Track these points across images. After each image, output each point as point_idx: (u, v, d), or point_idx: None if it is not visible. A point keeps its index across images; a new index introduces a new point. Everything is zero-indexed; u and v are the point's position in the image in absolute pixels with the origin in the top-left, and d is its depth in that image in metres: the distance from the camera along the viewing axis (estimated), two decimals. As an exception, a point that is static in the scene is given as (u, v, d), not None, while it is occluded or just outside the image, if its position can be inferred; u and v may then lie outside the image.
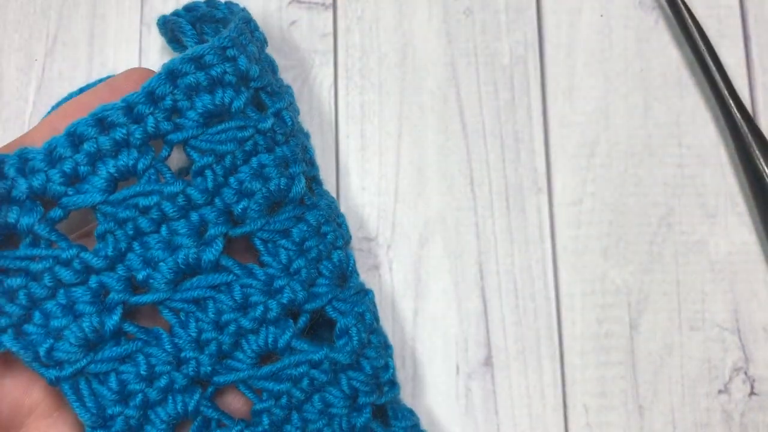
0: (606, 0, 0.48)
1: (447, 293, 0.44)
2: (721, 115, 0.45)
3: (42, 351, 0.32)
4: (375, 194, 0.45)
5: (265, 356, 0.36)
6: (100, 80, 0.41)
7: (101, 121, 0.33)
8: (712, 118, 0.46)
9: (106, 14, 0.47)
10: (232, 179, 0.36)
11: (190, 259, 0.34)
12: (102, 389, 0.33)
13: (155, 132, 0.34)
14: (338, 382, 0.37)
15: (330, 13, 0.48)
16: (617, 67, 0.47)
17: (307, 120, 0.46)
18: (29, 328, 0.32)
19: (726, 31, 0.47)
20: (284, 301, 0.35)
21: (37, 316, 0.32)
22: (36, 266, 0.32)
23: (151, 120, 0.34)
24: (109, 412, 0.33)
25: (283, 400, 0.35)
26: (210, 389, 0.35)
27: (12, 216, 0.32)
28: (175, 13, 0.41)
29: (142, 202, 0.33)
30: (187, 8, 0.41)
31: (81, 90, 0.42)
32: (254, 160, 0.36)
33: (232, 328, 0.35)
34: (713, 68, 0.45)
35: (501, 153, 0.44)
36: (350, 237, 0.41)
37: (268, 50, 0.47)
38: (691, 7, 0.46)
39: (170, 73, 0.35)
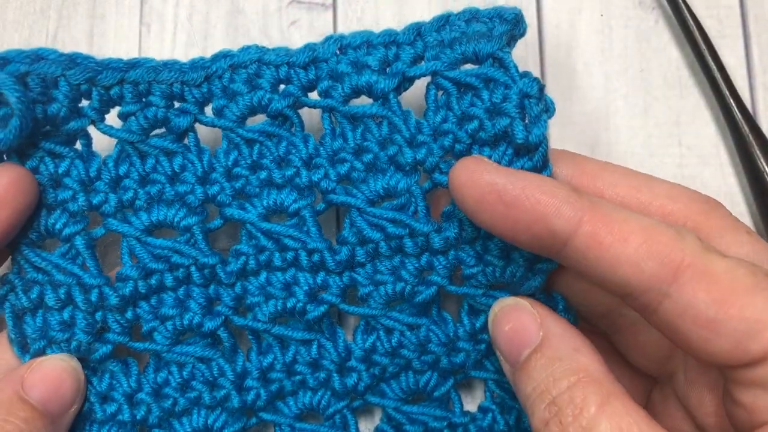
0: (606, 0, 0.48)
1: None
2: (721, 115, 0.45)
3: (146, 327, 0.37)
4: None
5: (414, 394, 0.40)
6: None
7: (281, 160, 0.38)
8: (712, 118, 0.46)
9: (105, 14, 0.47)
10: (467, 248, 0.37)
11: (405, 293, 0.37)
12: (167, 375, 0.38)
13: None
14: None
15: (330, 14, 0.48)
16: (617, 67, 0.47)
17: (307, 120, 0.46)
18: (159, 307, 0.38)
19: (726, 31, 0.47)
20: (457, 360, 0.39)
21: (153, 299, 0.37)
22: (178, 259, 0.37)
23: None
24: (168, 400, 0.38)
25: None
26: (357, 402, 0.39)
27: (189, 220, 0.38)
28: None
29: (289, 243, 0.38)
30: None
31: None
32: None
33: (402, 362, 0.39)
34: (713, 68, 0.45)
35: (501, 153, 0.44)
36: None
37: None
38: (691, 7, 0.46)
39: None
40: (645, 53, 0.47)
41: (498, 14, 0.37)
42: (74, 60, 0.37)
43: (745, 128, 0.44)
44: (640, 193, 0.35)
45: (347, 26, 0.47)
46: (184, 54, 0.47)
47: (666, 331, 0.30)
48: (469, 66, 0.36)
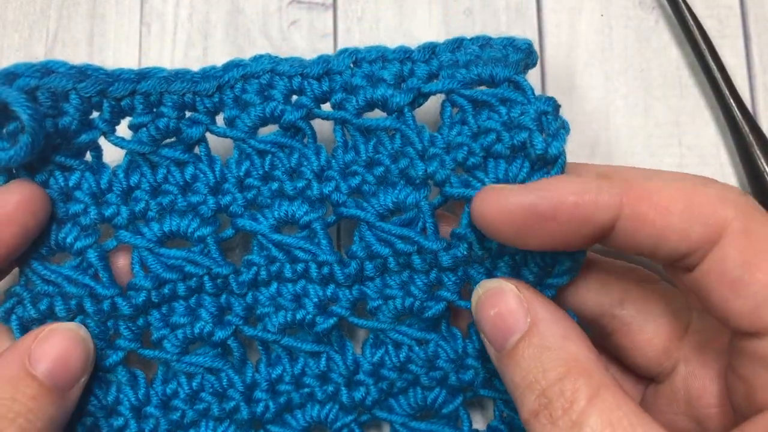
0: (606, 0, 0.48)
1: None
2: (721, 115, 0.45)
3: (156, 335, 0.37)
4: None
5: (423, 410, 0.39)
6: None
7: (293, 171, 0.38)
8: (712, 118, 0.46)
9: (106, 14, 0.47)
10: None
11: (414, 308, 0.37)
12: (171, 388, 0.37)
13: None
14: None
15: (330, 13, 0.48)
16: (617, 67, 0.47)
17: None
18: (173, 317, 0.37)
19: (726, 31, 0.47)
20: (465, 378, 0.38)
21: (164, 308, 0.37)
22: (192, 269, 0.37)
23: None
24: (174, 416, 0.37)
25: None
26: (365, 416, 0.39)
27: (203, 231, 0.37)
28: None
29: (300, 254, 0.37)
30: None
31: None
32: None
33: (410, 377, 0.38)
34: (714, 68, 0.45)
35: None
36: None
37: (268, 51, 0.47)
38: (691, 7, 0.46)
39: None
40: (645, 53, 0.47)
41: (511, 43, 0.37)
42: (84, 72, 0.36)
43: (746, 128, 0.44)
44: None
45: (347, 26, 0.47)
46: (184, 54, 0.47)
47: (696, 288, 0.30)
48: (483, 88, 0.36)
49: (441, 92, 0.36)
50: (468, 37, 0.38)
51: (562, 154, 0.33)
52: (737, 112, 0.44)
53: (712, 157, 0.46)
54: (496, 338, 0.33)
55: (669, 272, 0.32)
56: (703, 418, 0.34)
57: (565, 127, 0.34)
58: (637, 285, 0.37)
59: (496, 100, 0.35)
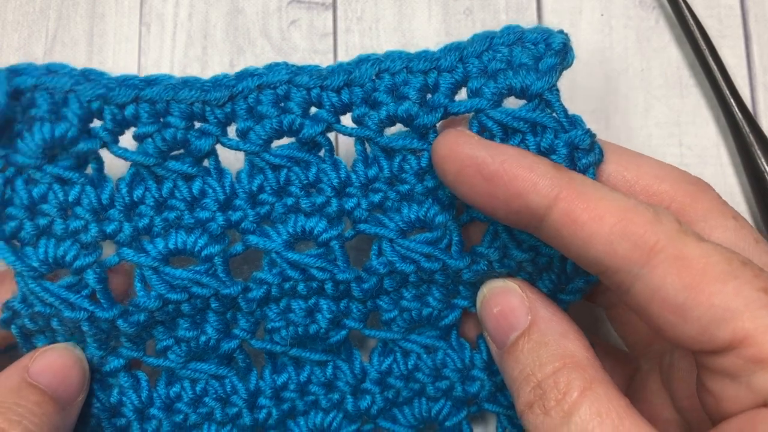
0: (606, 0, 0.48)
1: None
2: (721, 115, 0.45)
3: (160, 346, 0.36)
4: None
5: (426, 422, 0.39)
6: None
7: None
8: (712, 118, 0.46)
9: (105, 14, 0.47)
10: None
11: (432, 317, 0.38)
12: (179, 390, 0.37)
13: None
14: None
15: (330, 13, 0.47)
16: (618, 67, 0.47)
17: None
18: (181, 330, 0.37)
19: (726, 31, 0.47)
20: (471, 389, 0.39)
21: (168, 323, 0.36)
22: (199, 290, 0.35)
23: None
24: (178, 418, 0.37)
25: None
26: (368, 426, 0.39)
27: (211, 249, 0.35)
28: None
29: (317, 273, 0.36)
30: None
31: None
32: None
33: (416, 386, 0.38)
34: (714, 68, 0.45)
35: (501, 153, 0.44)
36: None
37: (268, 51, 0.47)
38: (691, 7, 0.45)
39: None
40: (645, 53, 0.47)
41: (544, 39, 0.34)
42: (87, 76, 0.34)
43: (746, 128, 0.44)
44: (627, 171, 0.34)
45: (347, 26, 0.47)
46: (183, 53, 0.47)
47: (637, 312, 0.30)
48: (512, 98, 0.34)
49: (469, 111, 0.34)
50: (497, 32, 0.35)
51: None
52: (737, 112, 0.44)
53: (712, 157, 0.46)
54: (498, 335, 0.34)
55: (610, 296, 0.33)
56: (681, 410, 0.34)
57: (597, 162, 0.33)
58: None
59: (527, 126, 0.33)
